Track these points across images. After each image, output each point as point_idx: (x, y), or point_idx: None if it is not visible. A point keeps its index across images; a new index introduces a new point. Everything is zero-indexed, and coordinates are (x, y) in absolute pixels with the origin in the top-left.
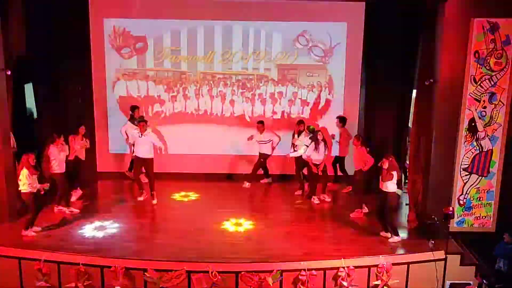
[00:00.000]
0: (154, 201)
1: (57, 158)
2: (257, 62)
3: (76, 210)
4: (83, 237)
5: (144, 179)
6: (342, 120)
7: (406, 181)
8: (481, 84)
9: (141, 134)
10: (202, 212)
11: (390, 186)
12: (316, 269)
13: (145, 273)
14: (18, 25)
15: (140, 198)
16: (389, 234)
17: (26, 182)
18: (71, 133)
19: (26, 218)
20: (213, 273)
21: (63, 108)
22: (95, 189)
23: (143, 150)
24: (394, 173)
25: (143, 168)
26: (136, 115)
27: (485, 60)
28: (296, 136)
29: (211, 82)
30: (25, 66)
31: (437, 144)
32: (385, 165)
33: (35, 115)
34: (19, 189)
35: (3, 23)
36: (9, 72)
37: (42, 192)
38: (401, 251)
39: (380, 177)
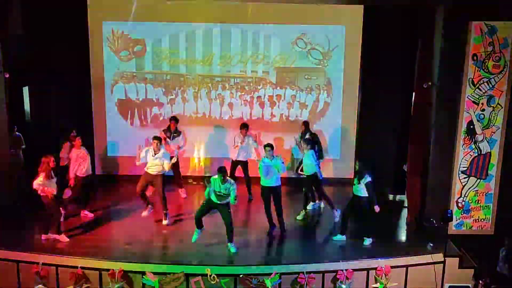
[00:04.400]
0: (165, 222)
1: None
2: (256, 64)
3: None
4: (80, 240)
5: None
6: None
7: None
8: (480, 86)
9: (154, 154)
10: None
11: (363, 190)
12: (314, 272)
13: (144, 276)
14: (16, 28)
15: (145, 213)
16: (344, 237)
17: (43, 185)
18: (68, 137)
19: (51, 223)
20: (211, 276)
21: (61, 111)
22: (93, 192)
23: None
24: (367, 177)
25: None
26: (172, 127)
27: (483, 63)
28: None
29: (210, 85)
30: (23, 69)
31: (435, 147)
32: (356, 167)
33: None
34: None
35: (1, 25)
36: (7, 75)
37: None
38: (399, 254)
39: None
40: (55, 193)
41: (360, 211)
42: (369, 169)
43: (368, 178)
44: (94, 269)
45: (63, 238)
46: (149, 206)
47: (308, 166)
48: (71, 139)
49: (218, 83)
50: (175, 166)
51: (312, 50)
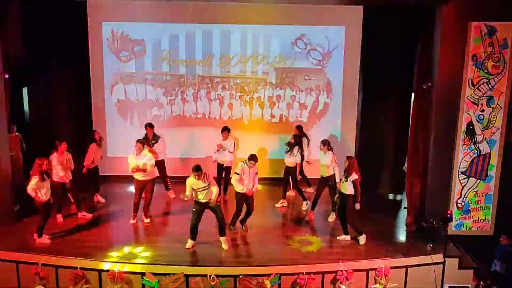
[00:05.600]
0: (147, 220)
1: (57, 166)
2: (256, 65)
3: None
4: (80, 240)
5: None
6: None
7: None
8: (479, 87)
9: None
10: None
11: (350, 188)
12: (314, 273)
13: (143, 277)
14: (16, 28)
15: (133, 221)
16: (348, 237)
17: (34, 188)
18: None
19: (37, 226)
20: (211, 277)
21: (61, 112)
22: (93, 192)
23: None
24: (354, 175)
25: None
26: (149, 134)
27: (483, 63)
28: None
29: (210, 85)
30: (23, 69)
31: (435, 147)
32: (345, 165)
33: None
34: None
35: (1, 26)
36: (7, 76)
37: (52, 202)
38: (399, 254)
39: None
40: (45, 198)
41: (345, 209)
42: (356, 166)
43: (355, 176)
44: (94, 270)
45: (44, 240)
46: (136, 215)
47: (325, 167)
48: (96, 140)
49: (217, 83)
50: (160, 168)
51: (312, 50)
